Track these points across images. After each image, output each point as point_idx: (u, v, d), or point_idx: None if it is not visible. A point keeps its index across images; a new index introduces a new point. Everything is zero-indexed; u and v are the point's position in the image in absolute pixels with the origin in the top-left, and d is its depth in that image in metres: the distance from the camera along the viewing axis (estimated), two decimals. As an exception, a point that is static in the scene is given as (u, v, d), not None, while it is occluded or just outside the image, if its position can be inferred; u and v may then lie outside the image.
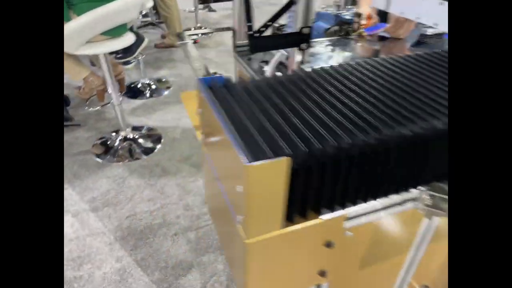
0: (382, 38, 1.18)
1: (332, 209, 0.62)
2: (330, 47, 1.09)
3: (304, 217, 0.62)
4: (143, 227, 1.66)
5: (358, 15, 1.18)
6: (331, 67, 0.83)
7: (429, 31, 1.24)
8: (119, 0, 1.54)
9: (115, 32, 1.70)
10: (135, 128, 2.38)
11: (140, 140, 2.26)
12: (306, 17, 0.86)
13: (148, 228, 1.66)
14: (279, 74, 1.09)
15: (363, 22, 1.19)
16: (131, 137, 2.24)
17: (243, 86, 0.75)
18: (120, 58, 2.48)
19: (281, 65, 1.13)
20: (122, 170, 2.02)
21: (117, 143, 2.22)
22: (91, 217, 1.71)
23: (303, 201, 0.60)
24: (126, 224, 1.67)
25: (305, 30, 0.87)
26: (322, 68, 0.83)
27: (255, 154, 0.54)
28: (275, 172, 0.53)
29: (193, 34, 1.30)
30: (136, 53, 2.54)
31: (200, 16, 4.39)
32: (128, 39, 1.82)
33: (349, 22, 1.19)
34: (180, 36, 1.28)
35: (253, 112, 0.66)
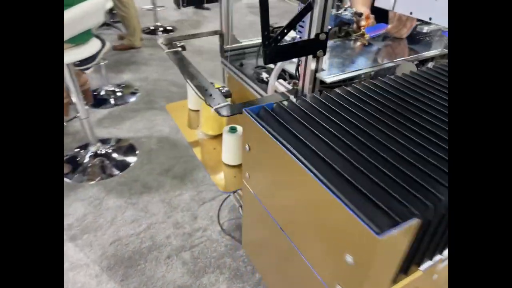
0: (383, 38, 1.14)
1: (432, 258, 0.55)
2: (335, 50, 1.03)
3: (406, 273, 0.54)
4: (131, 253, 1.52)
5: (359, 15, 1.13)
6: (389, 78, 0.75)
7: (425, 29, 1.22)
8: (85, 3, 1.36)
9: (80, 38, 1.52)
10: (104, 141, 2.18)
11: (114, 155, 2.07)
12: (322, 22, 0.79)
13: (137, 253, 1.52)
14: (281, 81, 1.01)
15: (363, 22, 1.14)
16: (103, 152, 2.05)
17: (298, 112, 0.64)
18: (80, 65, 2.25)
19: (282, 72, 1.05)
20: (97, 190, 1.84)
21: (86, 159, 2.02)
22: (70, 247, 1.53)
23: (411, 258, 0.52)
24: (112, 252, 1.52)
25: (322, 36, 0.79)
26: (381, 80, 0.75)
27: (368, 213, 0.43)
28: (401, 238, 0.44)
29: (179, 40, 1.18)
30: (98, 59, 2.32)
31: (159, 13, 4.16)
32: (94, 45, 1.64)
33: (349, 23, 1.14)
34: (169, 43, 1.14)
35: (332, 148, 0.55)
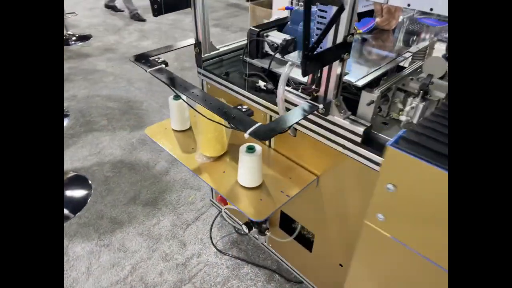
0: (371, 31, 1.14)
1: None
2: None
3: None
4: (124, 303, 1.32)
5: (346, 10, 1.10)
6: None
7: (400, 18, 1.26)
8: None
9: None
10: (46, 178, 1.85)
11: (65, 193, 1.77)
12: (350, 24, 0.74)
13: (130, 301, 1.32)
14: (290, 89, 0.94)
15: (350, 16, 1.12)
16: (51, 192, 1.74)
17: (439, 136, 0.58)
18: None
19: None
20: (57, 239, 1.55)
21: (31, 205, 1.68)
22: (45, 317, 1.27)
23: None
24: (100, 308, 1.30)
25: (350, 39, 0.75)
26: None
27: None
28: None
29: (157, 55, 1.01)
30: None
31: (68, 21, 3.67)
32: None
33: (337, 19, 1.10)
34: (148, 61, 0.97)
35: None
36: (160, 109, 2.53)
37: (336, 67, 0.79)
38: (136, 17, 4.15)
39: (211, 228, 1.57)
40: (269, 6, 3.79)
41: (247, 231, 1.28)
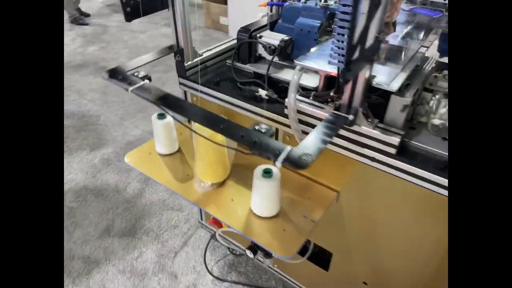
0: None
1: None
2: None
3: None
4: None
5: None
6: None
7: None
8: None
9: None
10: None
11: (22, 235, 1.49)
12: (382, 22, 0.63)
13: None
14: (303, 99, 0.82)
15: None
16: (4, 236, 1.46)
17: None
18: None
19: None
20: (20, 293, 1.30)
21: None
22: None
23: None
24: None
25: (382, 37, 0.64)
26: None
27: None
28: None
29: (137, 67, 0.83)
30: None
31: None
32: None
33: (337, 13, 0.99)
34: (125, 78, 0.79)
35: None
36: (120, 121, 2.28)
37: (365, 71, 0.68)
38: (77, 21, 3.76)
39: (205, 254, 1.41)
40: (223, 2, 3.63)
41: (252, 256, 1.14)
